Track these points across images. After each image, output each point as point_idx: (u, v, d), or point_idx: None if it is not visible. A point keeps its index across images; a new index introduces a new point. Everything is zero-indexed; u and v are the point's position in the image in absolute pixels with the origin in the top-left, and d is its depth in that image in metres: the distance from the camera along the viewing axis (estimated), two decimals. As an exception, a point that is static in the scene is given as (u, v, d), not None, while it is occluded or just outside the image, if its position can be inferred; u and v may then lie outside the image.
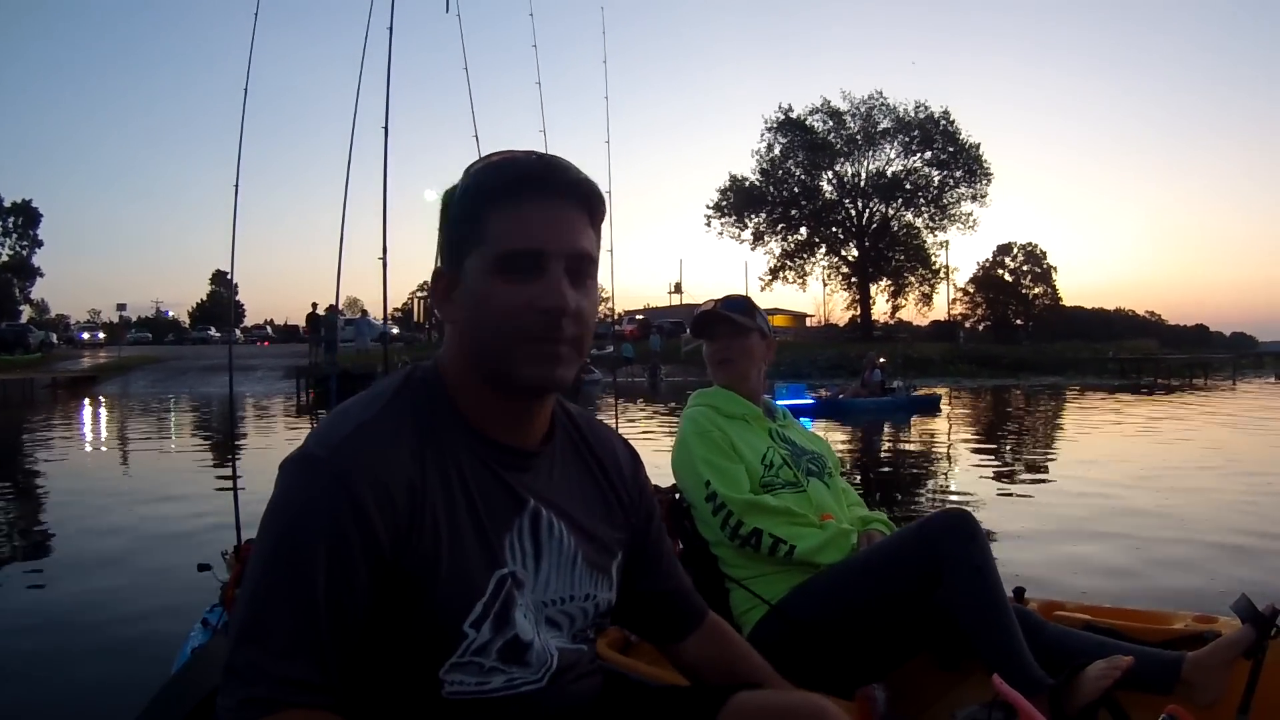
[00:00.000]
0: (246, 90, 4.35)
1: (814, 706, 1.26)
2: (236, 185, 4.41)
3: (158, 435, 17.23)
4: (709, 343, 2.72)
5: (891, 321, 65.75)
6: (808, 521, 2.41)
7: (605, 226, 1.27)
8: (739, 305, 2.73)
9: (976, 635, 2.09)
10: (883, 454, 13.56)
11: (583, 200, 1.20)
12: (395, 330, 46.21)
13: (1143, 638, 2.32)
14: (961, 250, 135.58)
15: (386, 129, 5.13)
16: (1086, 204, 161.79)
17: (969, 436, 16.70)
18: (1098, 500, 8.49)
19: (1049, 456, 13.25)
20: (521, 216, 1.15)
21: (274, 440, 14.44)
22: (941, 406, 23.29)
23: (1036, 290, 79.44)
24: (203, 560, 3.32)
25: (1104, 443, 15.06)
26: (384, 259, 5.23)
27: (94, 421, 21.13)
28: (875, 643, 2.26)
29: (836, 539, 2.38)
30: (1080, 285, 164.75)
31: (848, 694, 2.01)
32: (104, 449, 14.86)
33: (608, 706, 1.33)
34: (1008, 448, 14.36)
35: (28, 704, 3.66)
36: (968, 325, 78.06)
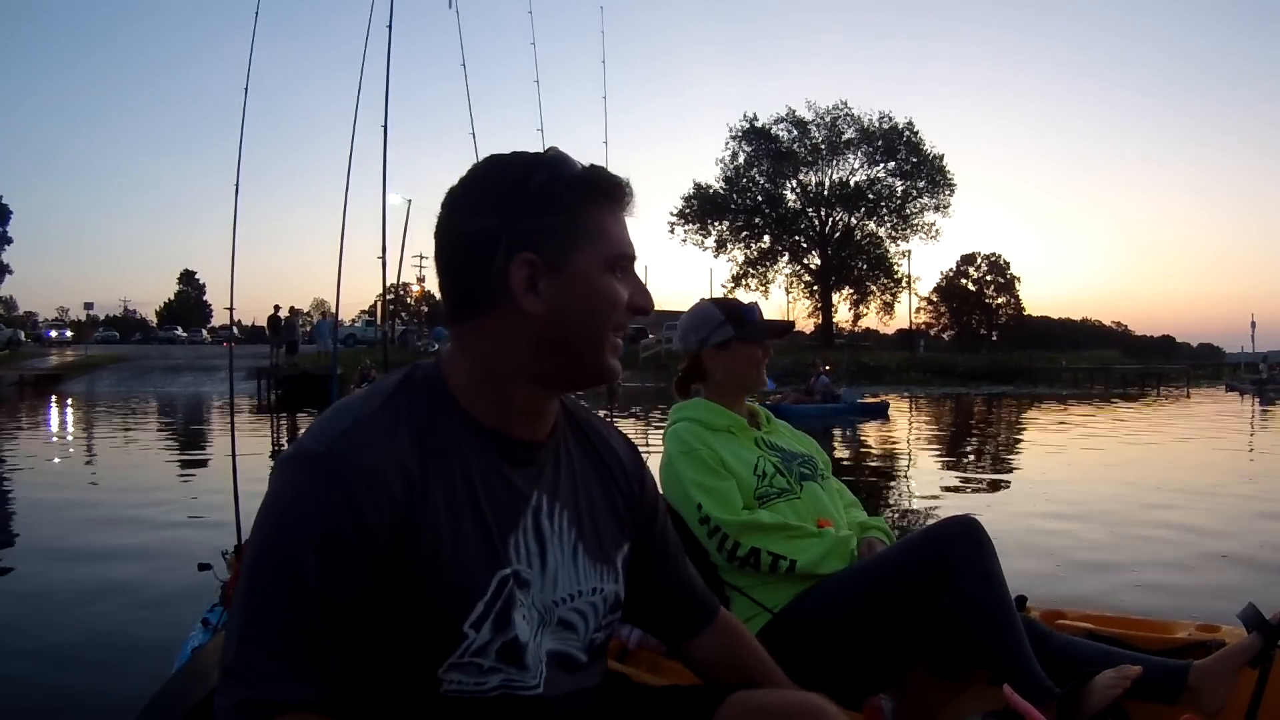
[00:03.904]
0: (247, 89, 4.32)
1: (811, 705, 1.25)
2: (237, 185, 4.37)
3: (139, 434, 17.29)
4: (755, 347, 2.58)
5: (858, 330, 66.48)
6: (805, 532, 2.35)
7: None
8: None
9: (984, 644, 2.07)
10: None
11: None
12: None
13: (1146, 646, 2.30)
14: (925, 260, 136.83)
15: (386, 128, 5.05)
16: (1056, 215, 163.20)
17: (905, 441, 17.42)
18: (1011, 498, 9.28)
19: (972, 461, 13.93)
20: (623, 222, 1.23)
21: (243, 441, 14.64)
22: (889, 414, 23.69)
23: (1000, 300, 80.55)
24: (203, 560, 3.36)
25: (1028, 449, 16.00)
26: (383, 258, 5.30)
27: (74, 421, 21.25)
28: (879, 651, 2.23)
29: (837, 548, 2.34)
30: (1049, 296, 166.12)
31: (851, 703, 1.99)
32: (88, 447, 14.89)
33: (605, 706, 1.32)
34: (938, 451, 15.17)
35: (27, 704, 3.67)
36: (932, 334, 79.02)
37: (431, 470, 1.12)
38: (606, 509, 1.34)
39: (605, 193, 1.21)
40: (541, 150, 1.22)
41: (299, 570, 1.02)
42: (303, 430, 1.19)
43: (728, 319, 2.54)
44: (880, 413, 23.53)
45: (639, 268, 1.29)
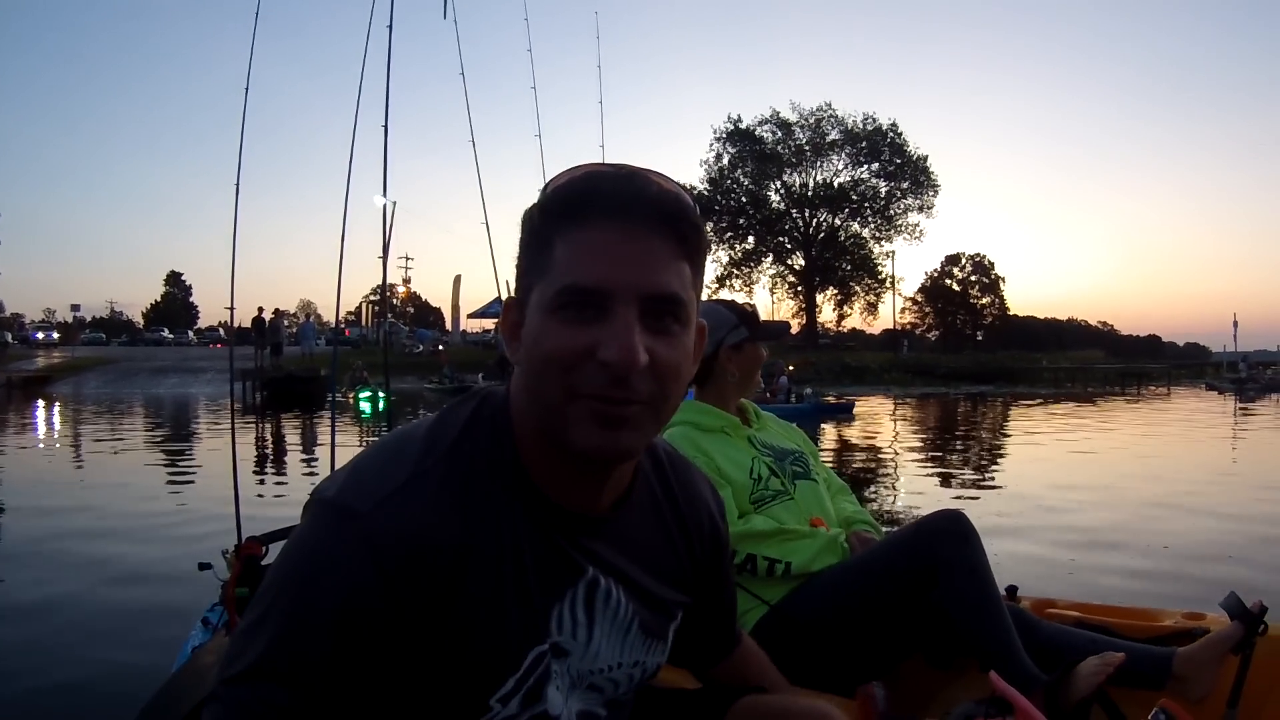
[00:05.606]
0: (248, 88, 4.31)
1: (819, 712, 1.24)
2: (237, 184, 4.36)
3: (131, 435, 17.25)
4: (761, 347, 2.64)
5: (843, 330, 66.78)
6: (799, 534, 2.38)
7: None
8: None
9: (972, 635, 2.12)
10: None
11: (668, 224, 0.99)
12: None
13: (1134, 634, 2.36)
14: (910, 260, 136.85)
15: (386, 128, 5.00)
16: (1042, 216, 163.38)
17: (881, 440, 17.67)
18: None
19: (952, 457, 14.16)
20: (587, 245, 0.97)
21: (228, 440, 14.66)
22: (855, 413, 23.81)
23: (985, 300, 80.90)
24: (203, 559, 3.29)
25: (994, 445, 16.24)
26: (384, 257, 5.28)
27: (63, 422, 21.22)
28: (872, 642, 2.28)
29: (829, 546, 2.38)
30: (1035, 296, 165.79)
31: (846, 692, 2.03)
32: (78, 449, 14.82)
33: None
34: (917, 448, 15.43)
35: (28, 703, 3.68)
36: (918, 334, 79.41)
37: (481, 541, 1.00)
38: (671, 579, 1.22)
39: (557, 212, 1.00)
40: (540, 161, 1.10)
41: (311, 632, 0.94)
42: (355, 459, 1.06)
43: (741, 320, 2.59)
44: (844, 412, 23.67)
45: None
